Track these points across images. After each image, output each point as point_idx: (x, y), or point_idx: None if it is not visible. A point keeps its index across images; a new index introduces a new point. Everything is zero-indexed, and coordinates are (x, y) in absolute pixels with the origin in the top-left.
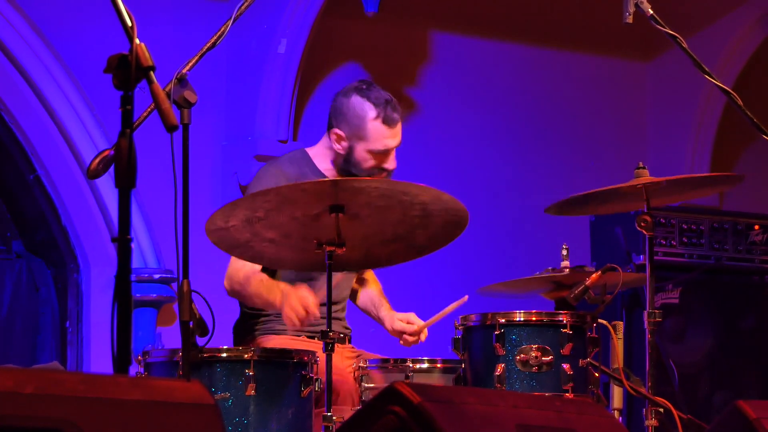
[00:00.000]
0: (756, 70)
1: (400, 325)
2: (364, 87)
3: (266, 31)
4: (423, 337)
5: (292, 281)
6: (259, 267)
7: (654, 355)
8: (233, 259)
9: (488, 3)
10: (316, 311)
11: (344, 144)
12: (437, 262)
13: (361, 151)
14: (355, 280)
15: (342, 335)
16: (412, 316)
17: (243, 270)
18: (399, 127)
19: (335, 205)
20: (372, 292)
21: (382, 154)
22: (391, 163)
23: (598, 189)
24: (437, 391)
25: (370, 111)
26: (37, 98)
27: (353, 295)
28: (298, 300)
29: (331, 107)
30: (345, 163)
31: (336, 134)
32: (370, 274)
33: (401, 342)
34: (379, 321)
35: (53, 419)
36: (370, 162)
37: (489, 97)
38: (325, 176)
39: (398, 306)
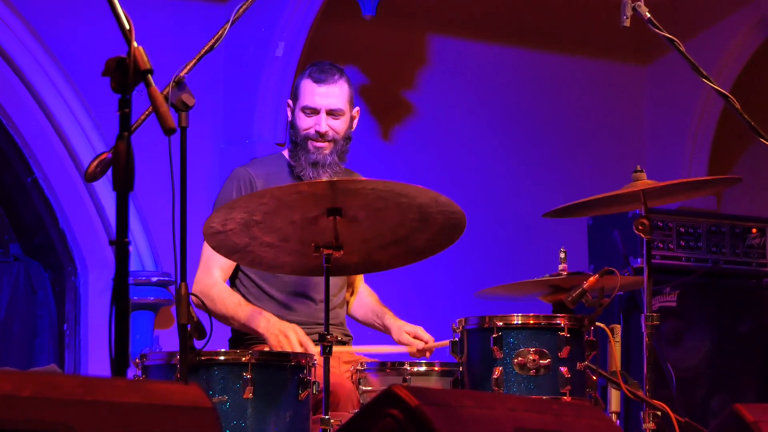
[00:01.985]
0: (754, 73)
1: (407, 339)
2: (317, 62)
3: (264, 35)
4: (428, 354)
5: (288, 299)
6: (224, 281)
7: (651, 359)
8: (201, 269)
9: (486, 6)
10: (314, 351)
11: (290, 113)
12: (435, 265)
13: (297, 111)
14: (347, 293)
15: (340, 339)
16: (419, 330)
17: (216, 287)
18: (332, 89)
19: (333, 207)
20: (370, 302)
21: (312, 112)
22: (321, 125)
23: (596, 196)
24: (435, 395)
25: (305, 72)
26: (35, 101)
27: (346, 306)
28: (296, 336)
29: None
30: (292, 134)
31: (288, 105)
32: (363, 286)
33: (409, 353)
34: (384, 330)
35: (51, 422)
36: (304, 122)
37: (487, 101)
38: (293, 173)
39: (397, 310)
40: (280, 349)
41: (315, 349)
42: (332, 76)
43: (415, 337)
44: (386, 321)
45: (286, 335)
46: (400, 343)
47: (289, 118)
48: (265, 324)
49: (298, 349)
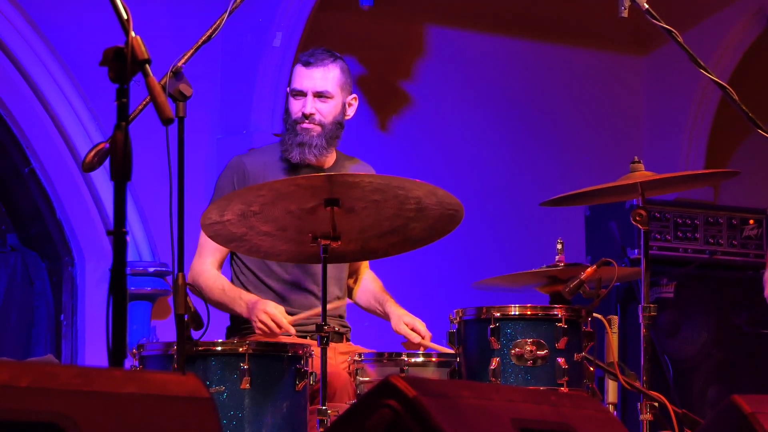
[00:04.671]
0: (751, 64)
1: (404, 330)
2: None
3: (262, 25)
4: (422, 349)
5: (285, 290)
6: (216, 268)
7: (649, 350)
8: (195, 257)
9: None
10: (288, 326)
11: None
12: (433, 255)
13: (289, 97)
14: (350, 279)
15: (337, 331)
16: (418, 323)
17: (203, 275)
18: (318, 71)
19: (330, 198)
20: (373, 288)
21: (300, 95)
22: (306, 107)
23: (594, 187)
24: (432, 385)
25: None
26: (32, 91)
27: (349, 292)
28: (268, 315)
29: None
30: (285, 120)
31: (286, 93)
32: (368, 272)
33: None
34: (384, 317)
35: (48, 413)
36: (293, 106)
37: (484, 91)
38: (288, 162)
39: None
40: (266, 337)
41: (288, 324)
42: (322, 60)
43: (412, 329)
44: (387, 308)
45: (261, 320)
46: (397, 332)
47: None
48: (247, 311)
49: (277, 330)
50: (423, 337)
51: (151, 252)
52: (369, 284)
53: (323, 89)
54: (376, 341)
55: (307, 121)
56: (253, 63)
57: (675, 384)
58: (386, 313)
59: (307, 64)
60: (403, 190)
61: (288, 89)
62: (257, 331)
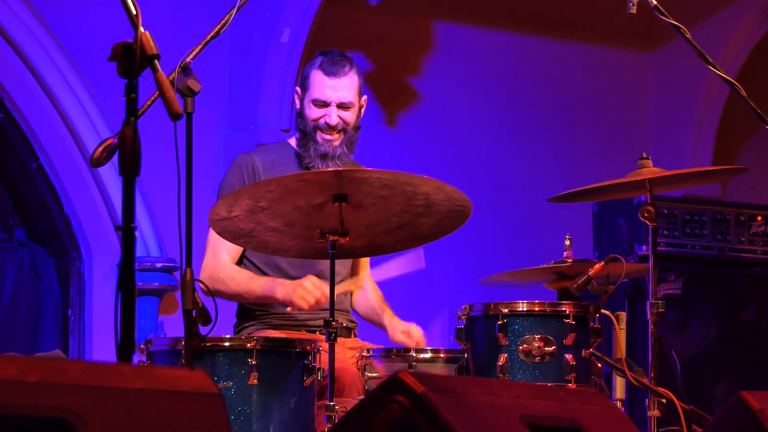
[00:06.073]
0: (759, 61)
1: (400, 337)
2: (327, 51)
3: (269, 21)
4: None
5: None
6: (234, 261)
7: (656, 346)
8: (208, 255)
9: None
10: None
11: (298, 101)
12: (441, 252)
13: (307, 102)
14: (354, 284)
15: (345, 326)
16: (412, 328)
17: (225, 267)
18: (342, 82)
19: (338, 194)
20: (373, 299)
21: (322, 105)
22: (331, 118)
23: (603, 183)
24: (441, 381)
25: (314, 62)
26: (40, 86)
27: (350, 299)
28: (314, 285)
29: None
30: (300, 124)
31: (296, 92)
32: (369, 281)
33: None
34: (382, 327)
35: (56, 408)
36: (313, 113)
37: (492, 88)
38: (301, 163)
39: (401, 297)
40: (307, 306)
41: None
42: (342, 68)
43: (408, 335)
44: (384, 320)
45: (303, 287)
46: (394, 342)
47: (297, 107)
48: (282, 290)
49: (317, 294)
50: (417, 343)
51: (159, 247)
52: (370, 294)
53: (347, 100)
54: (384, 337)
55: (330, 130)
56: (261, 59)
57: (683, 380)
58: (383, 325)
59: (329, 73)
60: (411, 186)
61: (300, 91)
62: (297, 300)
